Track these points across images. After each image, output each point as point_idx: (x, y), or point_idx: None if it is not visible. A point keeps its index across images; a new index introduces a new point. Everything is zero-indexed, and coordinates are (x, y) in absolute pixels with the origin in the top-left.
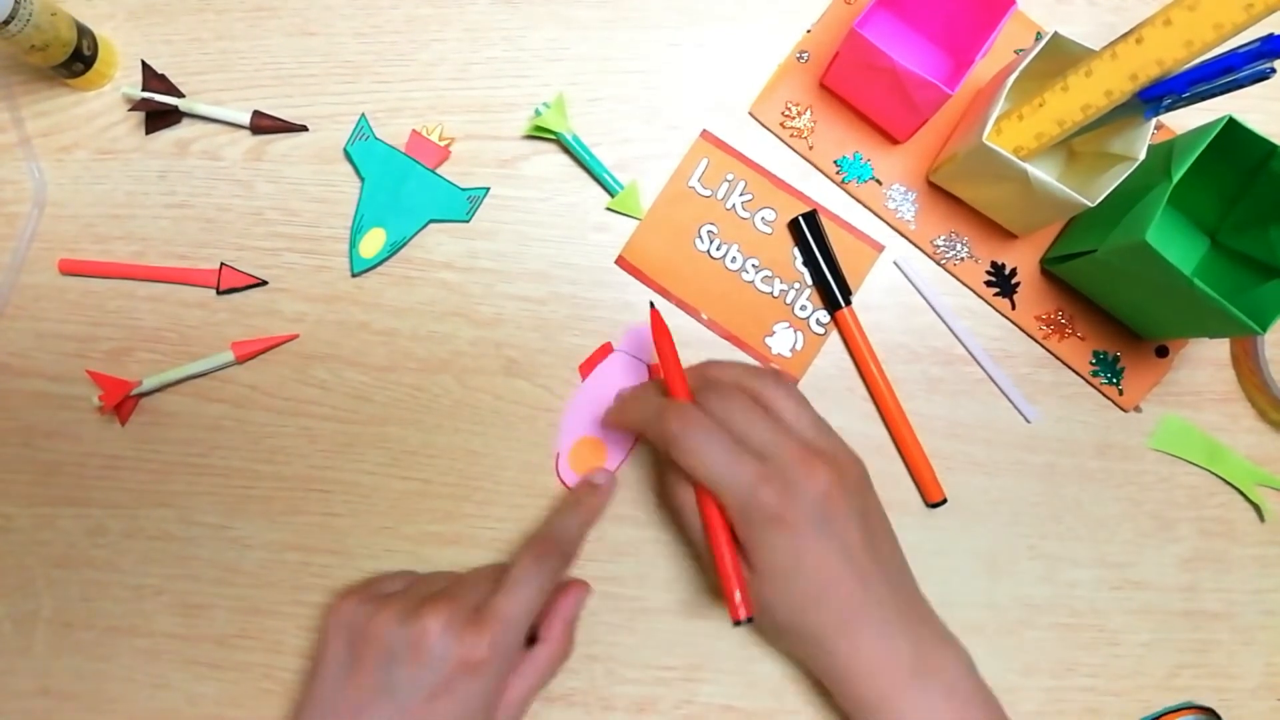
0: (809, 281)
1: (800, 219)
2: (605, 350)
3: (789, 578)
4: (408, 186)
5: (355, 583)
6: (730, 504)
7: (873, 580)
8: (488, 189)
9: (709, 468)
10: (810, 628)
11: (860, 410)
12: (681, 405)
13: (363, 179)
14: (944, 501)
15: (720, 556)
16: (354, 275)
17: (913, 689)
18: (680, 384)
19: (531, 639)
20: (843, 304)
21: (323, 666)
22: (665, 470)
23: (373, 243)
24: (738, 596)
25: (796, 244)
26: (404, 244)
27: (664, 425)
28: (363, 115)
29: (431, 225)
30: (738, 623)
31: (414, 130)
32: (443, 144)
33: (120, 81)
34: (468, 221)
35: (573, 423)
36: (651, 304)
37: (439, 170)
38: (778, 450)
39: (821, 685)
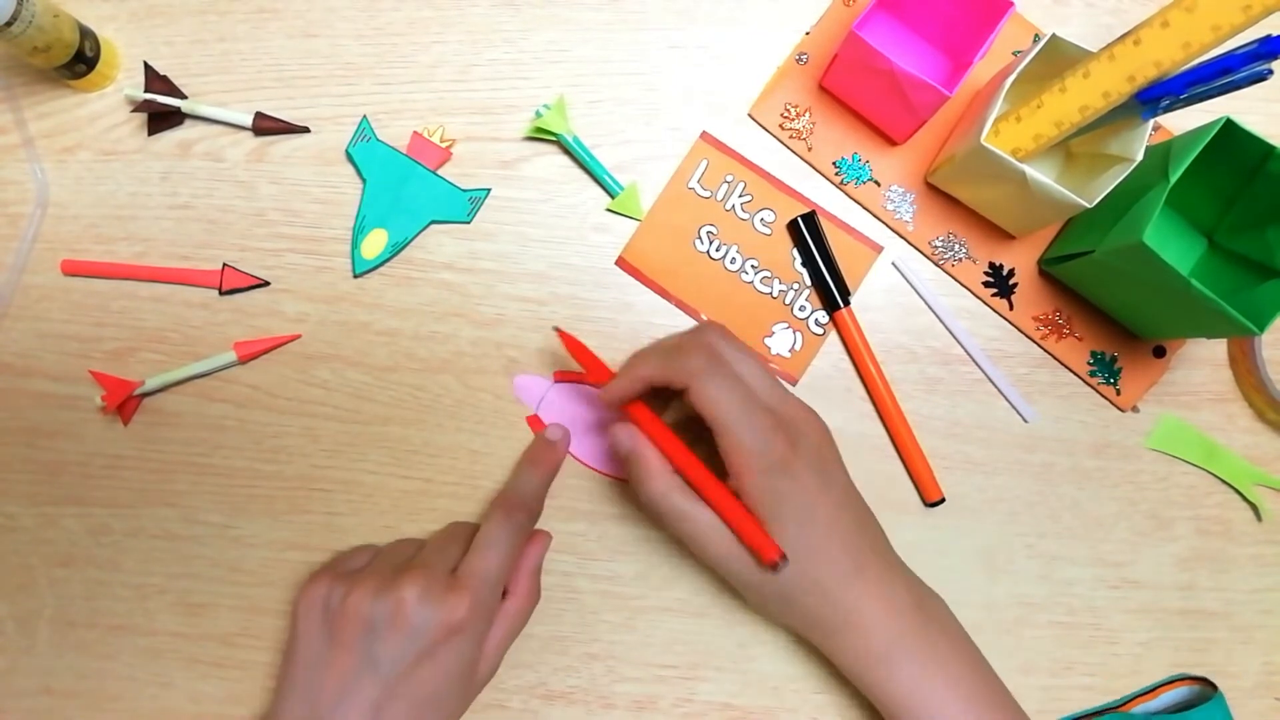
0: (808, 282)
1: (799, 220)
2: (534, 423)
3: (800, 526)
4: (409, 188)
5: (319, 565)
6: (746, 449)
7: (866, 526)
8: (489, 190)
9: (728, 411)
10: (821, 578)
11: (859, 410)
12: (706, 345)
13: (364, 180)
14: (942, 500)
15: (734, 508)
16: (356, 276)
17: (918, 631)
18: (605, 372)
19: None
20: (841, 305)
21: (299, 650)
22: (630, 468)
23: (375, 244)
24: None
25: (795, 245)
26: (405, 245)
27: (688, 361)
28: (364, 117)
29: (433, 226)
30: (774, 566)
31: (415, 132)
32: (444, 145)
33: (123, 83)
34: (469, 222)
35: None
36: (556, 329)
37: (440, 171)
38: (781, 403)
39: (818, 683)
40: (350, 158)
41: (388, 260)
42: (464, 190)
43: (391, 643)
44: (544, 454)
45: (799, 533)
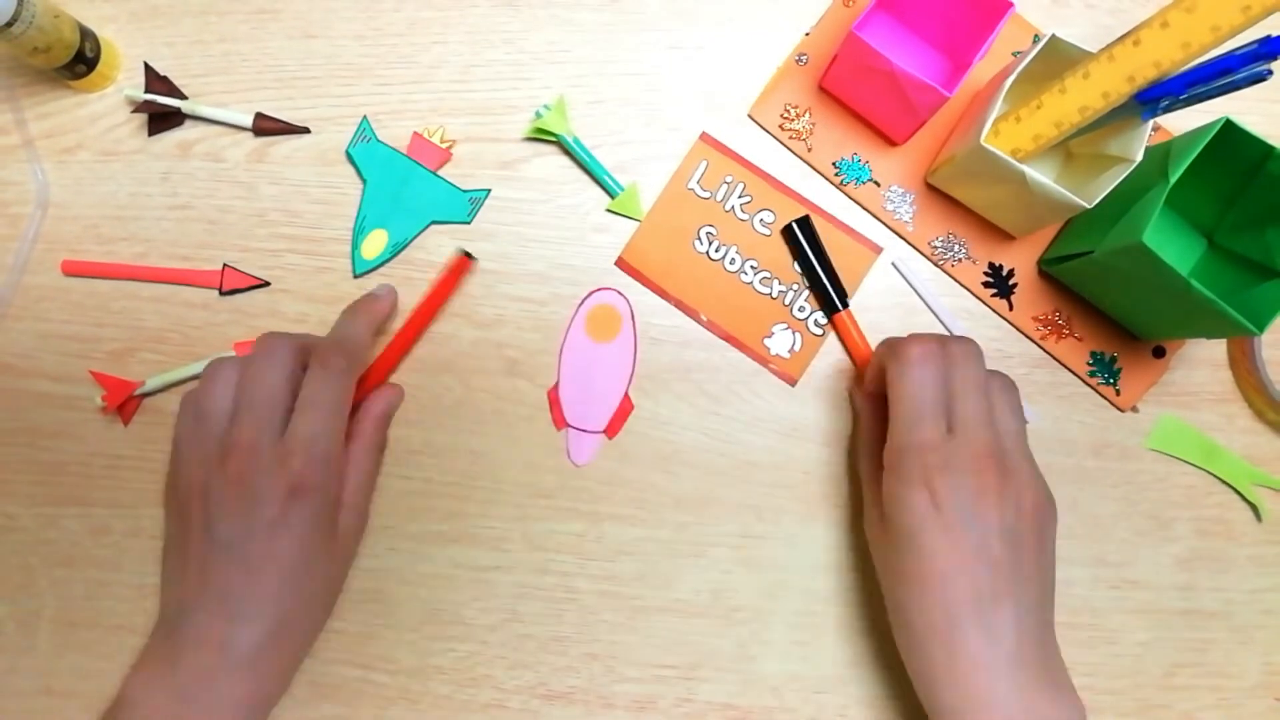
0: (808, 283)
1: (794, 224)
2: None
3: (901, 547)
4: (409, 188)
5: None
6: (895, 440)
7: (998, 596)
8: (489, 190)
9: (906, 400)
10: (909, 615)
11: None
12: (933, 342)
13: (365, 181)
14: None
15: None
16: (356, 277)
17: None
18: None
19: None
20: (840, 307)
21: (165, 540)
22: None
23: (375, 244)
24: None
25: (791, 249)
26: (406, 245)
27: (910, 344)
28: (364, 118)
29: (433, 227)
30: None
31: (415, 133)
32: (444, 146)
33: (123, 83)
34: (469, 223)
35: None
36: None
37: (440, 172)
38: (973, 434)
39: (819, 684)
40: (350, 158)
41: (388, 261)
42: (464, 191)
43: (234, 522)
44: (366, 303)
45: (898, 552)
